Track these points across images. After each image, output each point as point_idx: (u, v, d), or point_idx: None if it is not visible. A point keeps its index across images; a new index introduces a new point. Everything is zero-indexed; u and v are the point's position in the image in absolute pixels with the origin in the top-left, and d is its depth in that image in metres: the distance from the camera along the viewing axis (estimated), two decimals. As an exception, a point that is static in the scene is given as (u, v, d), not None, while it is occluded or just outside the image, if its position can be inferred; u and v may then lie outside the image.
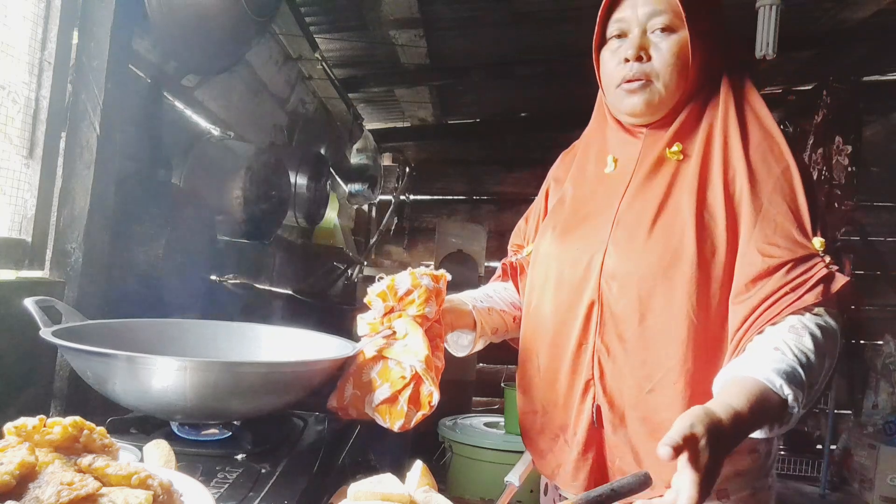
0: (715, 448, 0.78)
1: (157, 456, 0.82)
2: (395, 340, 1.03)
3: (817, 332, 0.93)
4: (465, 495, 2.78)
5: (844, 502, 4.31)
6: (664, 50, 1.05)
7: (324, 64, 3.06)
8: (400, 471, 0.92)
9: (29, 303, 1.10)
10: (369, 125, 4.42)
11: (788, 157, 1.04)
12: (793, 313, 0.95)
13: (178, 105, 2.06)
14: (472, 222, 5.06)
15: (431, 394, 0.99)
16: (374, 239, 5.03)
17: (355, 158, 3.89)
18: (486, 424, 3.18)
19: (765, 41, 2.78)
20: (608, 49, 1.10)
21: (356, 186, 3.85)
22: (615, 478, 1.01)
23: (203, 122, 2.23)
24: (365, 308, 1.09)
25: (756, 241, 0.98)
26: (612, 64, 1.09)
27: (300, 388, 1.08)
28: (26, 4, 1.33)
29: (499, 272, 1.34)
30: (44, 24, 1.35)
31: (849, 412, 4.77)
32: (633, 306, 1.02)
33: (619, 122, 1.15)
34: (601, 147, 1.18)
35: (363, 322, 1.07)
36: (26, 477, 0.59)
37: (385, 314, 1.05)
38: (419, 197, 5.27)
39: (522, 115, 4.85)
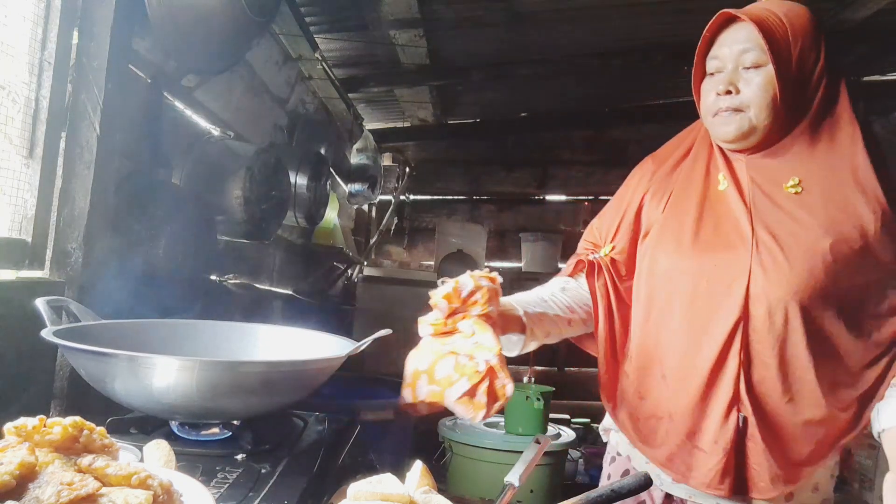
0: None
1: (157, 456, 0.82)
2: (462, 338, 1.07)
3: None
4: (465, 495, 2.78)
5: (844, 502, 4.31)
6: (753, 83, 1.15)
7: (324, 64, 3.06)
8: (400, 471, 0.92)
9: (40, 303, 1.09)
10: (369, 125, 4.42)
11: None
12: None
13: (178, 105, 2.06)
14: (472, 222, 5.06)
15: (505, 385, 1.04)
16: (374, 239, 5.03)
17: (355, 158, 3.89)
18: (487, 424, 3.18)
19: (765, 41, 2.78)
20: (707, 82, 1.22)
21: (356, 186, 3.85)
22: (757, 479, 1.14)
23: (203, 122, 2.23)
24: (430, 309, 1.11)
25: (893, 277, 1.12)
26: (710, 97, 1.20)
27: (300, 388, 1.08)
28: (26, 4, 1.33)
29: (569, 268, 1.36)
30: (44, 24, 1.35)
31: (849, 412, 4.77)
32: (779, 328, 1.11)
33: (720, 149, 1.25)
34: (710, 164, 1.26)
35: (425, 324, 1.11)
36: (26, 477, 0.59)
37: (449, 315, 1.09)
38: (419, 197, 5.27)
39: (522, 115, 4.85)
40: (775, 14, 1.15)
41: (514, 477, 1.02)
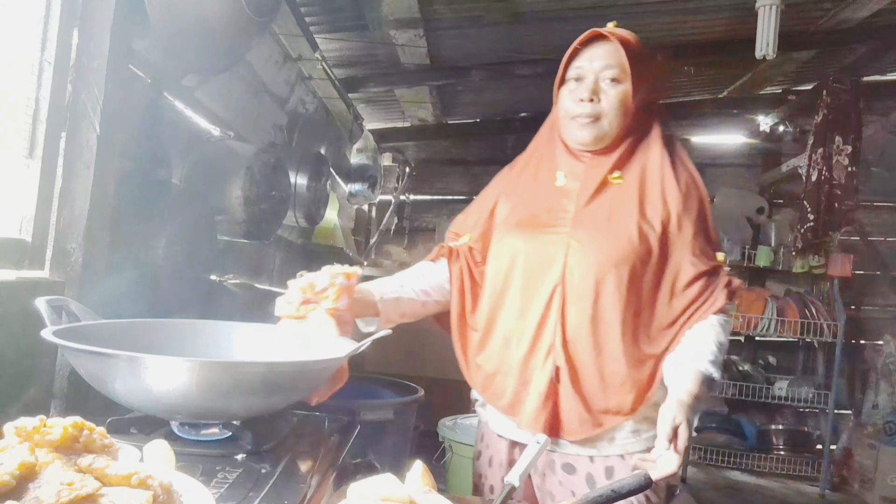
0: (689, 421, 1.21)
1: (157, 456, 0.82)
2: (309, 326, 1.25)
3: (726, 326, 1.34)
4: (466, 495, 2.77)
5: (844, 502, 4.31)
6: (611, 96, 1.35)
7: (324, 64, 3.06)
8: (400, 471, 0.92)
9: (40, 302, 1.09)
10: (369, 125, 4.42)
11: (703, 192, 1.41)
12: (713, 313, 1.33)
13: (178, 105, 2.06)
14: (471, 222, 5.05)
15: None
16: (374, 239, 5.03)
17: (355, 158, 3.89)
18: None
19: (765, 41, 2.78)
20: (567, 88, 1.39)
21: (356, 186, 3.85)
22: (567, 422, 1.33)
23: (203, 122, 2.24)
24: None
25: (687, 255, 1.34)
26: (569, 101, 1.37)
27: (300, 388, 1.08)
28: (26, 4, 1.33)
29: (435, 253, 1.53)
30: (44, 24, 1.35)
31: (849, 412, 4.77)
32: (589, 291, 1.30)
33: (567, 146, 1.42)
34: (551, 164, 1.45)
35: (282, 304, 1.28)
36: (26, 477, 0.59)
37: (302, 303, 1.27)
38: (419, 197, 5.28)
39: (522, 115, 4.86)
40: (636, 41, 1.37)
41: (514, 477, 1.02)
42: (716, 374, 1.27)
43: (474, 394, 1.53)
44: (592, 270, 1.30)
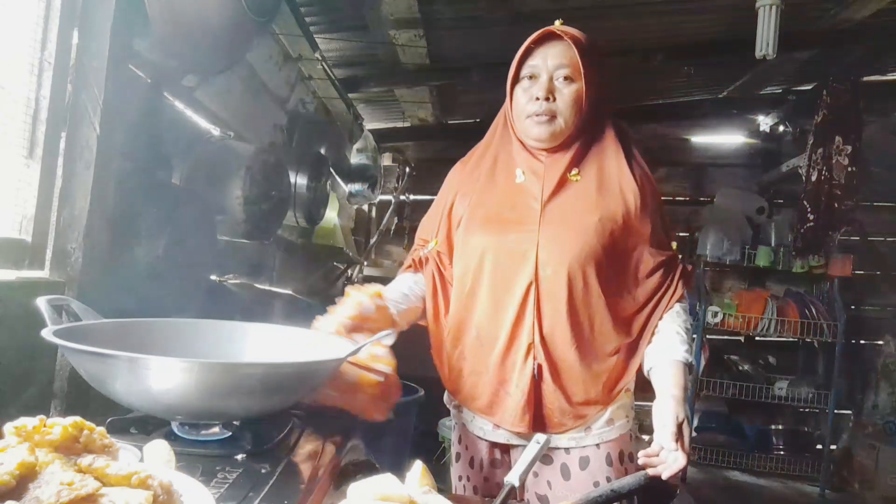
0: (687, 420, 1.24)
1: (157, 456, 0.82)
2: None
3: (687, 312, 1.43)
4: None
5: (844, 502, 4.31)
6: (566, 94, 1.36)
7: (324, 64, 3.06)
8: (400, 471, 0.92)
9: (41, 302, 1.09)
10: (369, 125, 4.42)
11: (655, 185, 1.46)
12: (677, 301, 1.40)
13: (178, 105, 2.06)
14: (472, 222, 5.05)
15: (396, 392, 1.28)
16: (374, 239, 5.03)
17: (355, 158, 3.89)
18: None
19: (765, 41, 2.77)
20: (521, 87, 1.40)
21: (356, 186, 3.85)
22: (550, 416, 1.37)
23: (203, 122, 2.24)
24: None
25: (647, 247, 1.40)
26: (524, 99, 1.38)
27: (300, 388, 1.08)
28: (26, 4, 1.33)
29: (408, 263, 1.56)
30: (44, 24, 1.35)
31: (849, 412, 4.77)
32: (563, 286, 1.33)
33: (523, 144, 1.43)
34: (509, 161, 1.46)
35: (326, 330, 1.28)
36: (26, 477, 0.59)
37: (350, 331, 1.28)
38: (419, 197, 5.27)
39: (522, 115, 4.85)
40: (589, 41, 1.38)
41: (514, 477, 1.02)
42: (691, 359, 1.35)
43: (447, 397, 1.55)
44: (564, 266, 1.33)
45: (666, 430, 1.19)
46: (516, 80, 1.41)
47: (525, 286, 1.35)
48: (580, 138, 1.41)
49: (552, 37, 1.38)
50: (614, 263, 1.37)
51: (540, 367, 1.35)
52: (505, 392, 1.38)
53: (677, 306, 1.40)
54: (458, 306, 1.45)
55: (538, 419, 1.37)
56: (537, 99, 1.36)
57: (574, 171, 1.41)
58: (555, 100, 1.36)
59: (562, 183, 1.39)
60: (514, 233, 1.38)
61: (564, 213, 1.37)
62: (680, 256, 1.46)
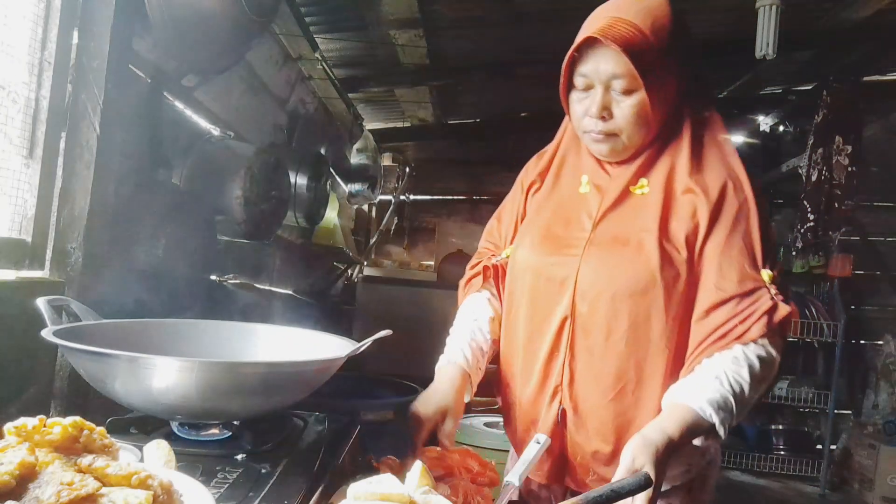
0: (656, 469, 0.97)
1: (157, 456, 0.82)
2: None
3: (756, 363, 1.08)
4: (465, 495, 2.76)
5: (844, 502, 4.31)
6: (625, 108, 1.13)
7: (324, 64, 3.06)
8: (400, 471, 0.91)
9: (41, 302, 1.09)
10: (369, 125, 4.42)
11: (747, 191, 1.16)
12: (740, 343, 1.08)
13: (178, 105, 2.06)
14: (472, 222, 5.06)
15: None
16: (374, 239, 5.03)
17: (355, 158, 3.89)
18: (486, 424, 3.18)
19: (765, 41, 2.77)
20: (576, 96, 1.19)
21: (356, 186, 3.85)
22: (575, 471, 1.20)
23: (203, 122, 2.23)
24: None
25: (714, 274, 1.11)
26: (580, 111, 1.18)
27: (300, 388, 1.08)
28: (26, 4, 1.33)
29: (476, 271, 1.37)
30: (44, 24, 1.35)
31: (849, 412, 4.77)
32: (602, 324, 1.13)
33: (590, 151, 1.25)
34: (576, 165, 1.28)
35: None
36: (26, 477, 0.59)
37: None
38: (419, 197, 5.28)
39: (522, 115, 4.85)
40: (641, 31, 1.09)
41: (514, 477, 1.02)
42: (715, 419, 1.02)
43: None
44: (603, 301, 1.12)
45: (617, 474, 0.99)
46: (569, 86, 1.20)
47: (560, 320, 1.16)
48: (654, 144, 1.20)
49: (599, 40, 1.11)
50: (675, 302, 1.11)
51: (564, 412, 1.18)
52: (529, 435, 1.20)
53: (738, 349, 1.07)
54: (504, 328, 1.30)
55: (558, 469, 1.21)
56: (591, 117, 1.15)
57: (639, 183, 1.19)
58: (612, 116, 1.14)
59: (622, 198, 1.18)
60: (556, 255, 1.19)
61: (617, 234, 1.16)
62: (772, 290, 1.11)
